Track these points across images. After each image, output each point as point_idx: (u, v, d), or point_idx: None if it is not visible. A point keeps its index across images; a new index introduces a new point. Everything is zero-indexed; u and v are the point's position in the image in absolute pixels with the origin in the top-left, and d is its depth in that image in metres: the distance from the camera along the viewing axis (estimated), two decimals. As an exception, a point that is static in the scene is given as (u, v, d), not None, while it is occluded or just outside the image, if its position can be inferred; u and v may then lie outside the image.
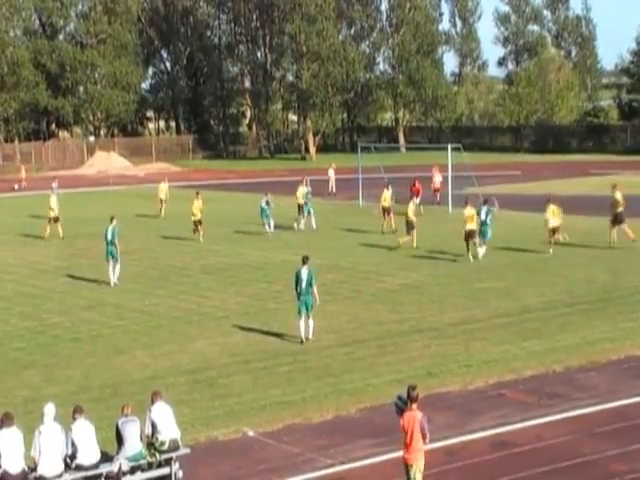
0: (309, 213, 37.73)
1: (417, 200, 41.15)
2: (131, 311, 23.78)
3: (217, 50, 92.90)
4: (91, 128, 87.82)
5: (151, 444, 12.93)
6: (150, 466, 13.00)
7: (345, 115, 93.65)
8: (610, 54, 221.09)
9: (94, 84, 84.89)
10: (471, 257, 29.05)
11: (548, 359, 18.26)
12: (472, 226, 29.34)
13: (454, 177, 42.34)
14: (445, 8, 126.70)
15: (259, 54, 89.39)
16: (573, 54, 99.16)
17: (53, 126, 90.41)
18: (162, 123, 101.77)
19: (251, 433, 14.99)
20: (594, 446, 13.99)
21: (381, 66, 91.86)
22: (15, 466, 12.06)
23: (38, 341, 21.10)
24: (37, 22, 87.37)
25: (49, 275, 29.39)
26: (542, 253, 29.73)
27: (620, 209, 30.90)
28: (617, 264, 27.92)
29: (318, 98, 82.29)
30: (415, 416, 11.68)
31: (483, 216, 29.70)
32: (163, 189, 43.95)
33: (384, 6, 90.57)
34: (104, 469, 12.59)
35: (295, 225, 37.63)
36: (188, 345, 20.29)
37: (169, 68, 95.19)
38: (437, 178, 44.69)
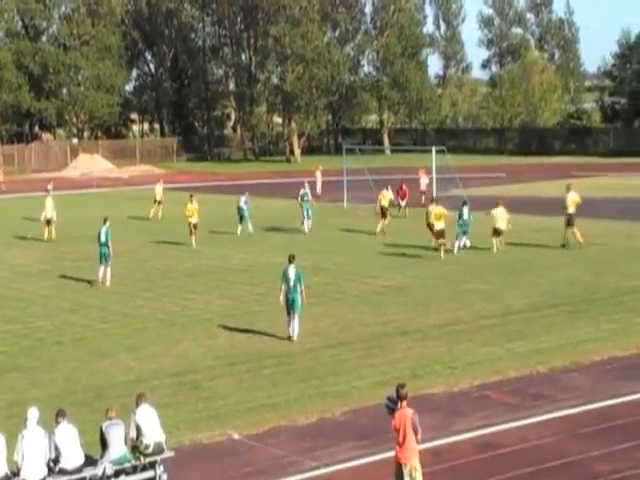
0: (308, 215, 37.63)
1: (403, 203, 41.53)
2: (115, 314, 23.69)
3: (201, 52, 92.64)
4: (74, 130, 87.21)
5: (135, 447, 12.88)
6: (134, 469, 12.95)
7: (330, 117, 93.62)
8: (593, 57, 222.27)
9: (77, 86, 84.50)
10: (442, 255, 29.92)
11: (532, 360, 18.32)
12: (442, 225, 29.99)
13: (439, 179, 42.54)
14: (429, 11, 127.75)
15: (243, 56, 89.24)
16: (556, 57, 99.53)
17: (36, 128, 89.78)
18: (146, 125, 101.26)
19: (236, 436, 14.96)
20: (578, 446, 14.05)
21: (365, 68, 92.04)
22: (-2, 470, 12.01)
23: (21, 344, 20.98)
24: (20, 24, 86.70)
25: (33, 278, 29.23)
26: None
27: (571, 210, 31.07)
28: (597, 265, 28.13)
29: (303, 100, 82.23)
30: (406, 414, 11.71)
31: (466, 216, 31.52)
32: (159, 191, 43.73)
33: (368, 9, 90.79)
34: (88, 473, 12.53)
35: (299, 225, 37.58)
36: (172, 348, 20.23)
37: (153, 70, 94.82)
38: (423, 180, 44.86)
